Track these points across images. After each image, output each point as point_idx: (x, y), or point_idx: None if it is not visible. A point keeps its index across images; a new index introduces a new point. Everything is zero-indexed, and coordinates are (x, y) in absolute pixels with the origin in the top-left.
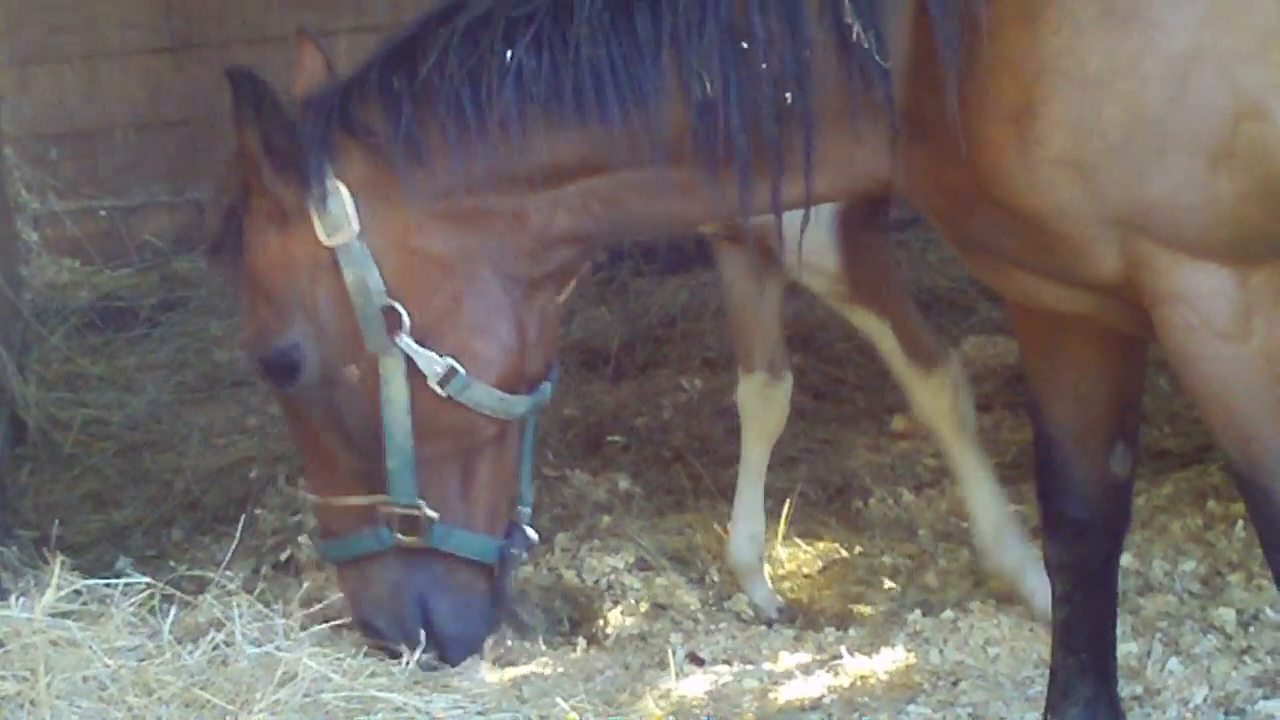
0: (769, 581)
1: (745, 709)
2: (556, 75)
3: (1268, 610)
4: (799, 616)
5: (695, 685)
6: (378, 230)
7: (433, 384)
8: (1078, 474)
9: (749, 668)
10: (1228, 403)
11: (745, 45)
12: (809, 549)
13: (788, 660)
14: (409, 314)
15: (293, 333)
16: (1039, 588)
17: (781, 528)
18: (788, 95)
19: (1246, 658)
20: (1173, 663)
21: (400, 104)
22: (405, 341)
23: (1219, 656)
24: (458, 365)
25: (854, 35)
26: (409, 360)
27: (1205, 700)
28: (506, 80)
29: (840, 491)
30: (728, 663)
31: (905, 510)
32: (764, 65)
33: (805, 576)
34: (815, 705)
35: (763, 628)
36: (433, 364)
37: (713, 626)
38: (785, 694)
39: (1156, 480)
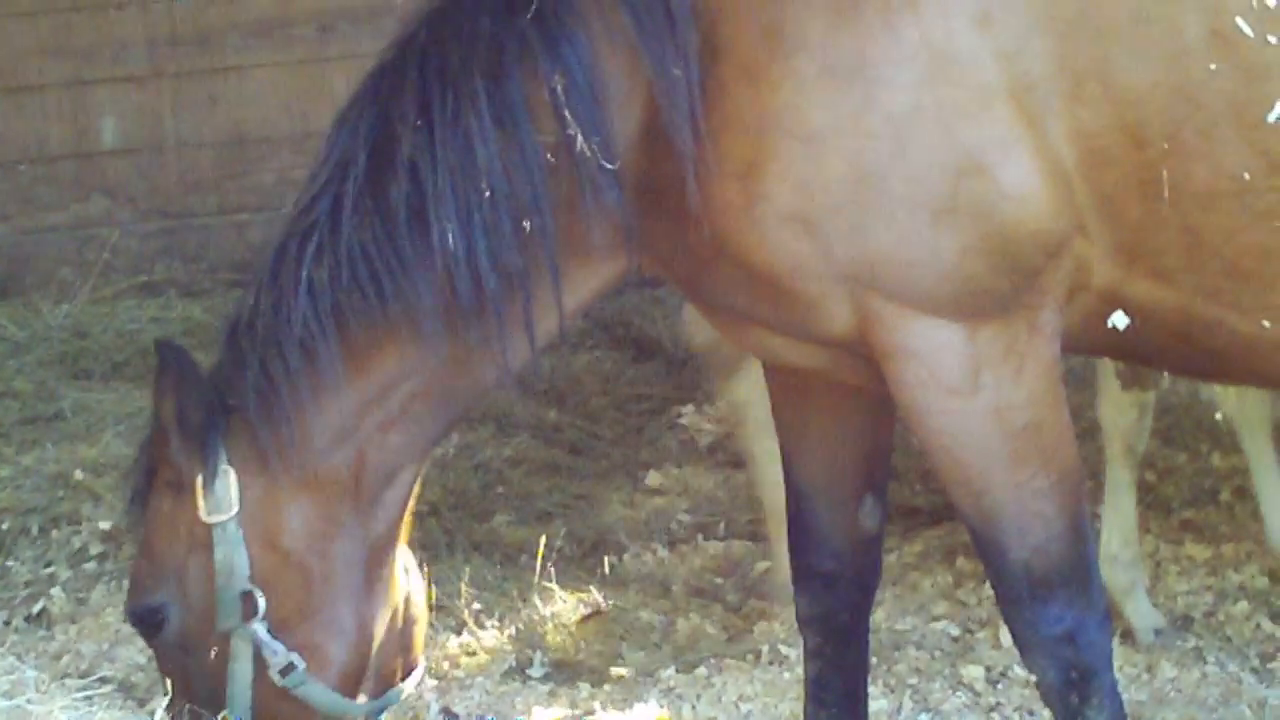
0: (1146, 599)
1: None
2: (336, 278)
3: (1015, 668)
4: (554, 672)
5: None
6: (251, 510)
7: (272, 674)
8: (827, 527)
9: None
10: (958, 457)
11: (481, 185)
12: (564, 604)
13: (542, 716)
14: (267, 601)
15: (161, 595)
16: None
17: (536, 581)
18: (526, 224)
19: (994, 714)
20: (922, 719)
21: (246, 364)
22: (256, 628)
23: (968, 713)
24: (298, 661)
25: (578, 146)
26: (256, 645)
27: None
28: (300, 301)
29: (595, 547)
30: (482, 716)
31: (660, 566)
32: (498, 197)
33: (561, 632)
34: None
35: (518, 683)
36: (275, 655)
37: (468, 681)
38: None
39: (908, 537)
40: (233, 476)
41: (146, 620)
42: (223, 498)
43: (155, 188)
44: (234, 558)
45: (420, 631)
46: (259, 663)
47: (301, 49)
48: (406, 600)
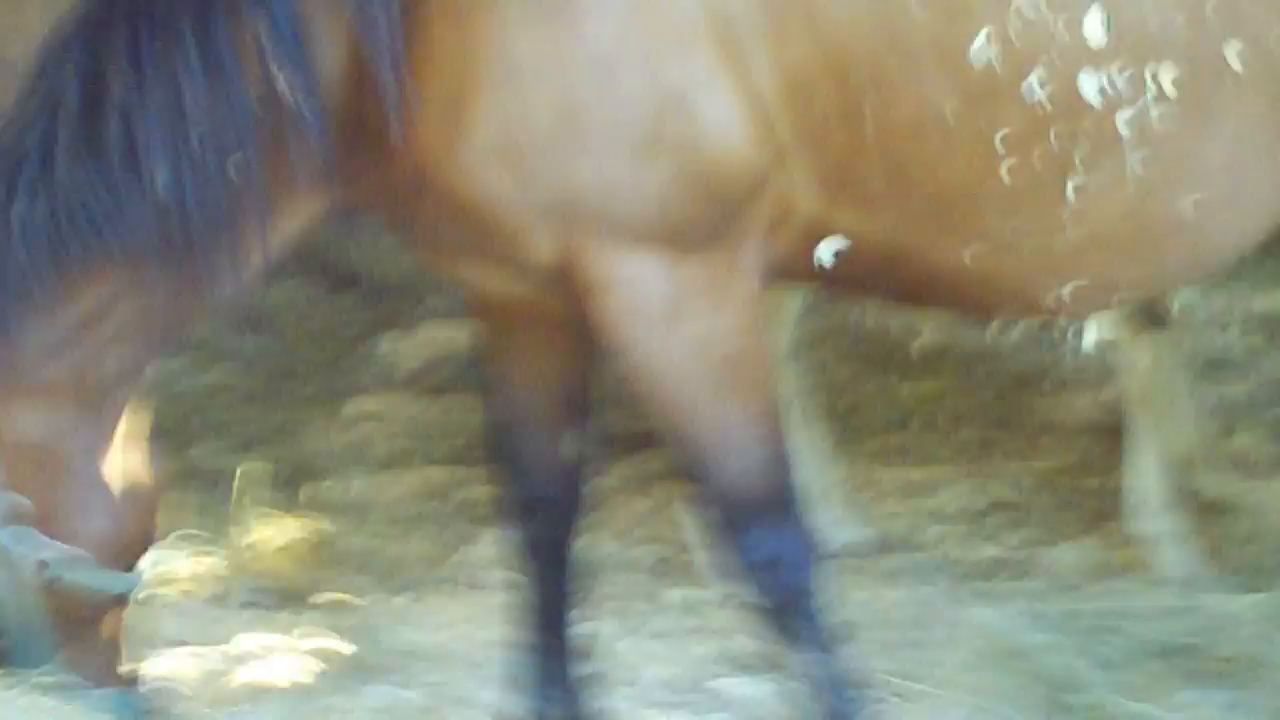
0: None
1: (201, 693)
2: (53, 215)
3: (712, 591)
4: (257, 599)
5: (150, 667)
6: None
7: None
8: (532, 456)
9: (206, 649)
10: (661, 387)
11: (188, 130)
12: (266, 533)
13: (246, 643)
14: (14, 502)
15: None
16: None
17: (236, 509)
18: (232, 166)
19: (693, 637)
20: (625, 642)
21: None
22: (6, 531)
23: (670, 635)
24: (56, 552)
25: (281, 87)
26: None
27: (655, 679)
28: (13, 238)
29: (296, 475)
30: (184, 643)
31: (361, 493)
32: (206, 142)
33: (263, 560)
34: (271, 688)
35: (220, 610)
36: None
37: (171, 608)
38: (242, 676)
39: (607, 465)
40: None
41: None
42: None
43: None
44: None
45: (156, 507)
46: (14, 566)
47: None
48: (144, 481)
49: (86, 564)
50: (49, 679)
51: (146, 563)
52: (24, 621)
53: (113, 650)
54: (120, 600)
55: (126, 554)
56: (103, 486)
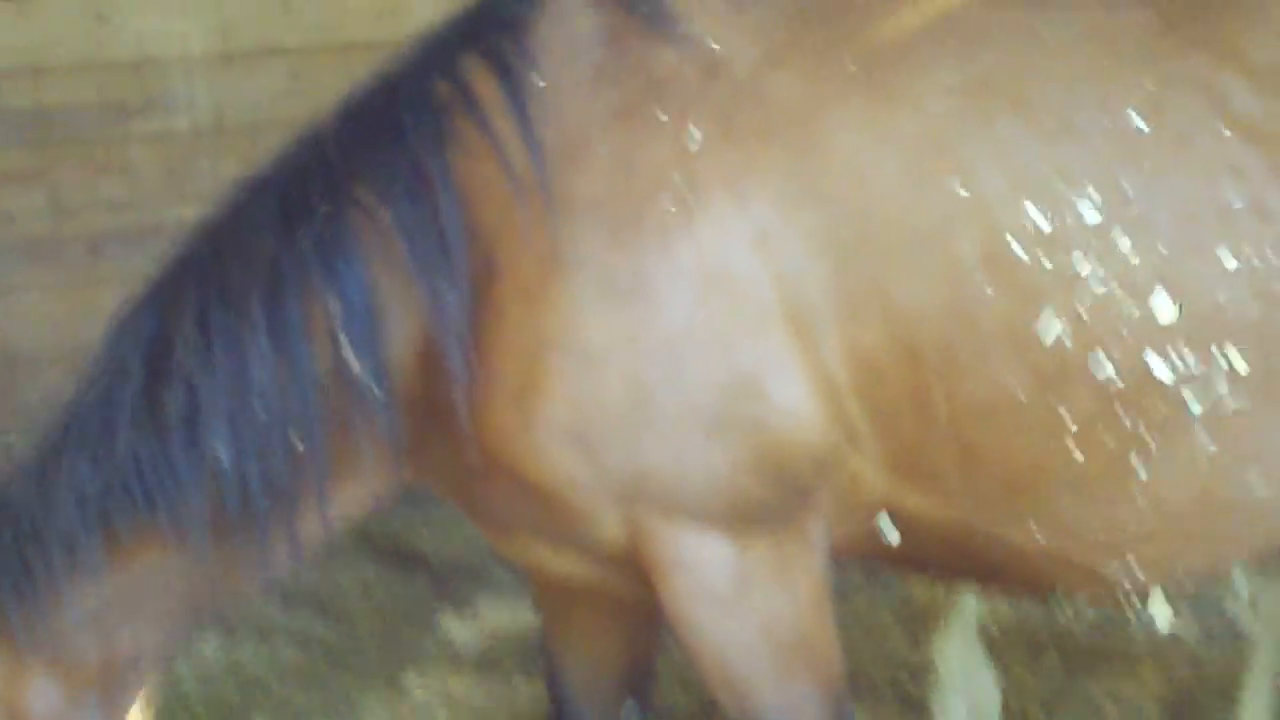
0: None
1: None
2: (108, 485)
3: None
4: None
5: None
6: None
7: None
8: None
9: None
10: (726, 667)
11: (254, 407)
12: None
13: None
14: None
15: None
16: None
17: None
18: (297, 442)
19: None
20: None
21: (1, 547)
22: None
23: None
24: None
25: (352, 369)
26: None
27: None
28: (68, 506)
29: None
30: None
31: None
32: (272, 418)
33: None
34: None
35: None
36: None
37: None
38: None
39: None
40: None
41: None
42: None
43: None
44: None
45: None
46: None
47: (70, 270)
48: None
49: None
50: None
51: None
52: None
53: None
54: None
55: None
56: None
